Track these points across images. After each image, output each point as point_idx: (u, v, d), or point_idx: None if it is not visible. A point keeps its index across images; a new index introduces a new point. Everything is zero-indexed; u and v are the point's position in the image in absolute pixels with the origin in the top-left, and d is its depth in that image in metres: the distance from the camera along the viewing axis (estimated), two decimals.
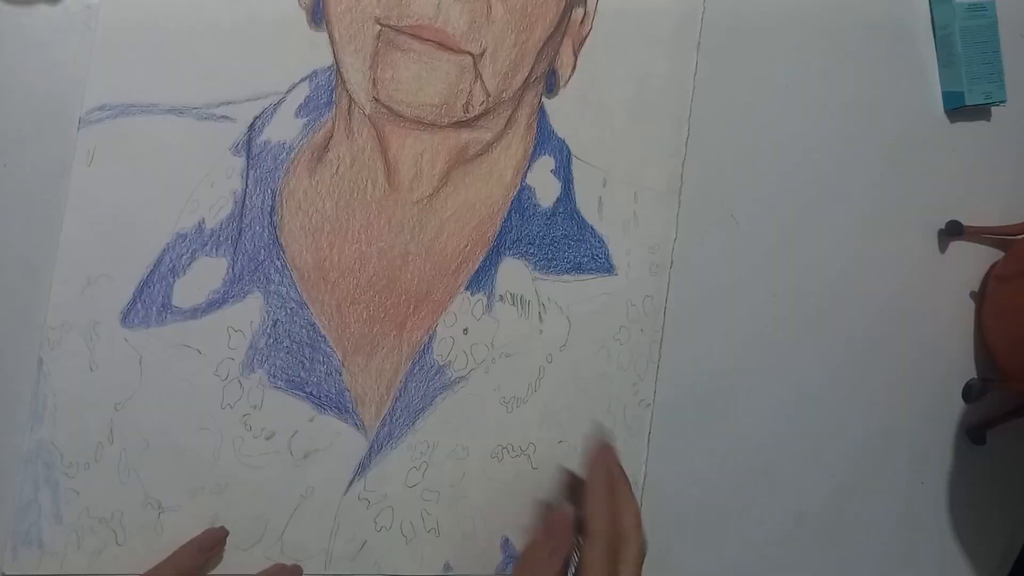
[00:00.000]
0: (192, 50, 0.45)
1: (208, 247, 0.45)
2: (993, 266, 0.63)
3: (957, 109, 0.62)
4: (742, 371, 0.58)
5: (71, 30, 0.44)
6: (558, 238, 0.54)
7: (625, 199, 0.56)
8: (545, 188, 0.54)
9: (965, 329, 0.63)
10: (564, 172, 0.54)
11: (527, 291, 0.53)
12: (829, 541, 0.60)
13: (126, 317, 0.44)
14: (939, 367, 0.63)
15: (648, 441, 0.56)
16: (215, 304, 0.45)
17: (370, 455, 0.49)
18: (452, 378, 0.51)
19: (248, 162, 0.46)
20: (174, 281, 0.44)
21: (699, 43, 0.58)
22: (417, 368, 0.50)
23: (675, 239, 0.57)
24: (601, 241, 0.55)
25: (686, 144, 0.58)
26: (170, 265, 0.44)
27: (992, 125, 0.64)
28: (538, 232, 0.53)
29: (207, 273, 0.45)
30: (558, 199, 0.54)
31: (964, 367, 0.63)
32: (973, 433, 0.63)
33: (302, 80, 0.47)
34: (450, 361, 0.51)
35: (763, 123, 0.59)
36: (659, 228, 0.57)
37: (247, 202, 0.46)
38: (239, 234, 0.45)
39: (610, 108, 0.55)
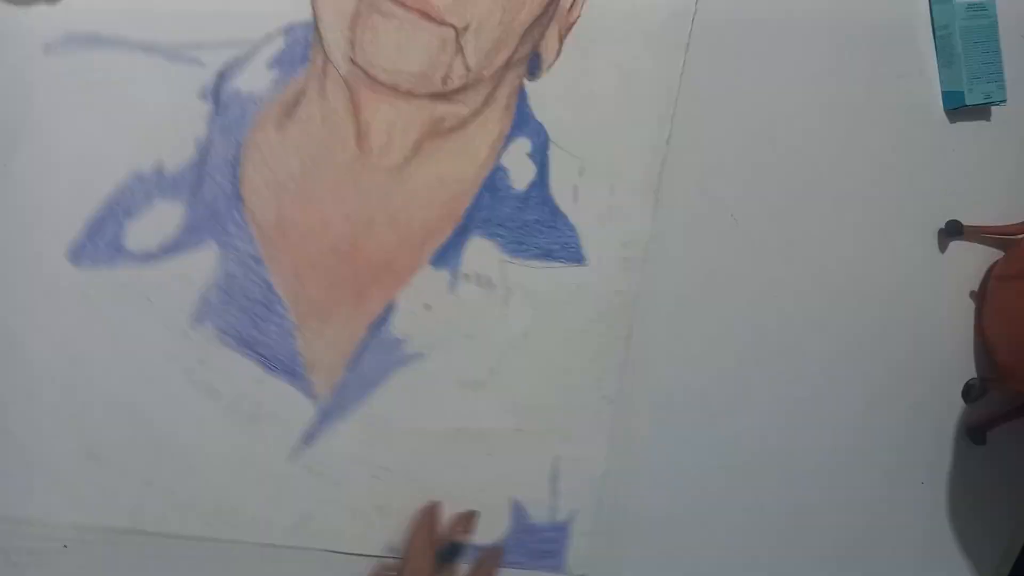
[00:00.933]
0: None
1: (166, 191, 0.44)
2: (993, 266, 0.63)
3: (957, 109, 0.62)
4: (742, 370, 0.58)
5: None
6: (530, 222, 0.53)
7: (601, 191, 0.55)
8: (520, 170, 0.53)
9: (965, 329, 0.63)
10: (540, 156, 0.53)
11: (494, 273, 0.52)
12: (829, 541, 0.60)
13: (75, 253, 0.42)
14: (939, 367, 0.63)
15: (609, 436, 0.55)
16: (168, 250, 0.44)
17: (319, 424, 0.47)
18: (410, 354, 0.49)
19: (215, 109, 0.44)
20: (127, 223, 0.43)
21: (688, 43, 0.57)
22: (374, 340, 0.48)
23: (650, 236, 0.56)
24: (573, 230, 0.54)
25: (667, 142, 0.57)
26: (125, 205, 0.43)
27: (992, 125, 0.64)
28: (509, 214, 0.52)
29: (162, 218, 0.44)
30: (532, 183, 0.53)
31: (964, 367, 0.63)
32: (973, 433, 0.63)
33: (278, 32, 0.46)
34: (409, 337, 0.49)
35: (763, 123, 0.59)
36: (634, 224, 0.56)
37: (211, 150, 0.44)
38: (199, 182, 0.44)
39: (592, 98, 0.55)
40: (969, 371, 0.63)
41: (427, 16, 0.49)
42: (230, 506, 0.44)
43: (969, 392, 0.63)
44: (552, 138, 0.53)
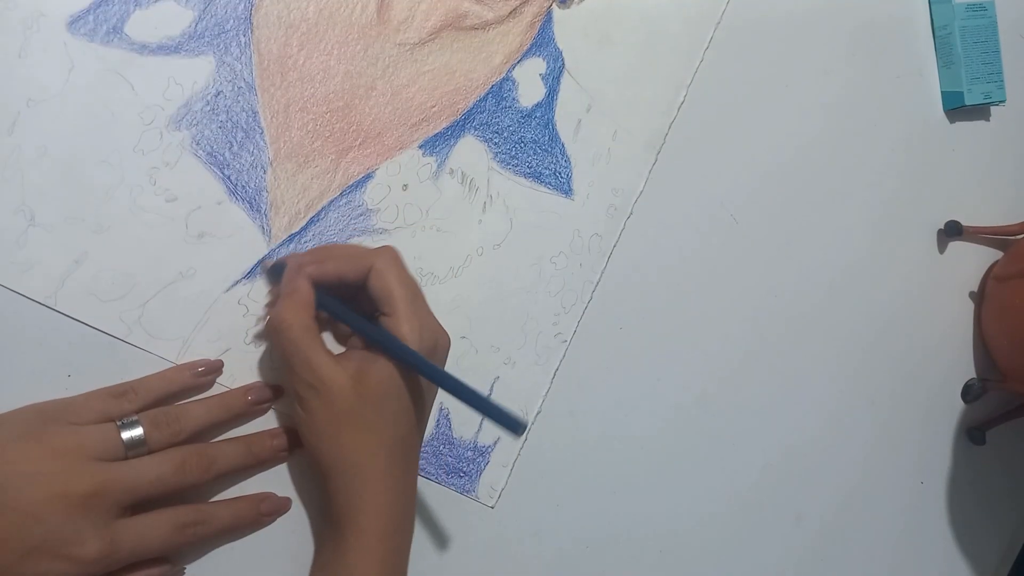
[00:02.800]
0: None
1: None
2: (992, 266, 0.63)
3: (957, 109, 0.62)
4: (741, 370, 0.57)
5: None
6: (527, 140, 0.53)
7: (604, 132, 0.55)
8: (529, 88, 0.53)
9: (965, 329, 0.63)
10: (552, 82, 0.54)
11: (479, 176, 0.52)
12: (829, 541, 0.59)
13: (73, 22, 0.42)
14: (939, 367, 0.62)
15: (554, 375, 0.53)
16: (165, 49, 0.44)
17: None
18: (376, 226, 0.49)
19: None
20: (134, 10, 0.43)
21: (720, 20, 0.58)
22: (344, 200, 0.48)
23: (640, 192, 0.56)
24: (568, 161, 0.54)
25: (679, 108, 0.57)
26: None
27: (992, 125, 0.64)
28: (508, 125, 0.52)
29: (169, 17, 0.44)
30: (538, 104, 0.53)
31: (964, 367, 0.63)
32: (973, 433, 0.62)
33: None
34: (379, 209, 0.49)
35: (763, 123, 0.59)
36: (628, 175, 0.56)
37: None
38: None
39: (616, 44, 0.56)
40: (969, 371, 0.63)
41: None
42: (153, 317, 0.43)
43: (969, 392, 0.62)
44: (568, 67, 0.54)
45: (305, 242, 0.47)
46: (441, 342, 0.42)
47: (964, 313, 0.63)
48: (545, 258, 0.53)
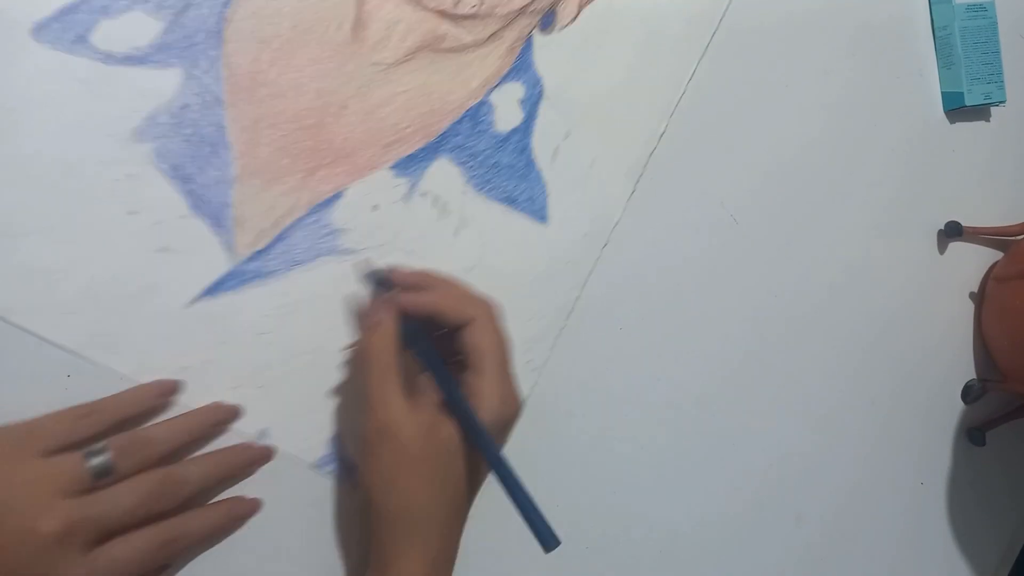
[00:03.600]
0: None
1: (149, 4, 0.43)
2: (992, 267, 0.63)
3: (957, 110, 0.62)
4: (741, 370, 0.57)
5: None
6: (502, 164, 0.52)
7: (582, 161, 0.55)
8: (506, 113, 0.53)
9: (965, 330, 0.63)
10: (530, 107, 0.53)
11: (452, 199, 0.51)
12: (829, 542, 0.59)
13: (39, 29, 0.41)
14: (939, 368, 0.62)
15: (525, 404, 0.52)
16: (132, 60, 0.43)
17: (229, 280, 0.45)
18: (343, 246, 0.48)
19: None
20: (101, 19, 0.42)
21: (706, 49, 0.58)
22: (311, 219, 0.47)
23: (617, 222, 0.55)
24: (543, 188, 0.53)
25: (659, 139, 0.57)
26: (102, 3, 0.42)
27: (992, 125, 0.64)
28: (484, 149, 0.52)
29: (136, 29, 0.43)
30: (515, 129, 0.53)
31: (964, 368, 0.63)
32: (973, 434, 0.62)
33: None
34: (347, 229, 0.48)
35: (763, 123, 0.59)
36: (606, 202, 0.55)
37: None
38: (185, 7, 0.44)
39: (597, 71, 0.55)
40: (969, 372, 0.63)
41: None
42: (110, 330, 0.41)
43: (969, 393, 0.62)
44: (546, 94, 0.53)
45: (270, 260, 0.45)
46: (515, 414, 0.42)
47: (964, 313, 0.63)
48: (517, 285, 0.52)
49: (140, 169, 0.43)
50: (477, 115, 0.52)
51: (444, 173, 0.51)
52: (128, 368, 0.42)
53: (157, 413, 0.42)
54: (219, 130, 0.45)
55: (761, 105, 0.59)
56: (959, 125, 0.64)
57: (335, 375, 0.46)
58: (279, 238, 0.46)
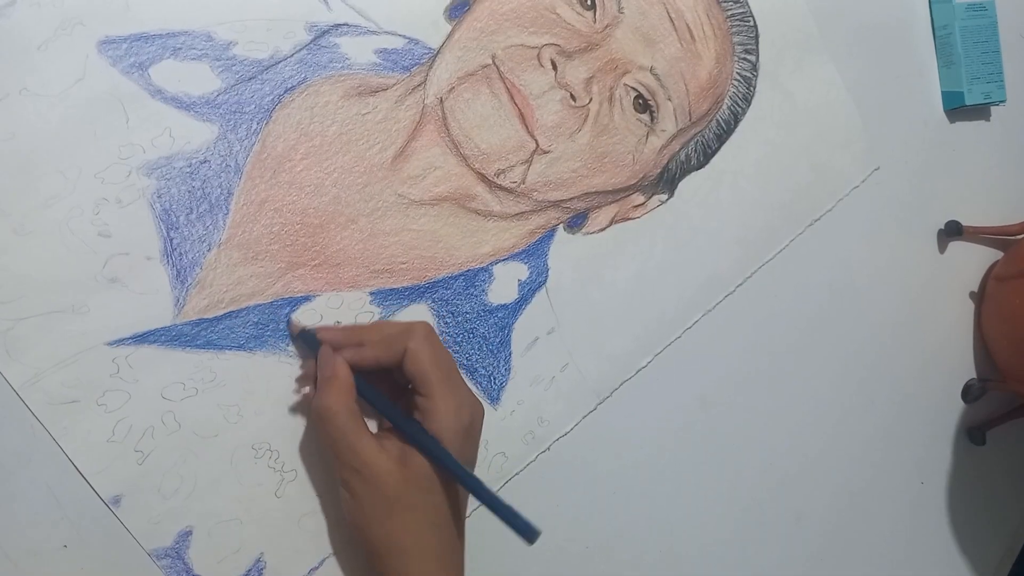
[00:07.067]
0: None
1: (219, 64, 0.45)
2: (993, 266, 0.62)
3: (957, 109, 0.61)
4: (742, 369, 0.57)
5: None
6: (477, 333, 0.52)
7: (555, 361, 0.54)
8: (502, 287, 0.53)
9: (965, 329, 0.63)
10: (527, 292, 0.53)
11: None
12: (829, 541, 0.58)
13: (105, 43, 0.43)
14: (939, 367, 0.62)
15: None
16: (177, 103, 0.44)
17: (159, 334, 0.43)
18: (289, 349, 0.47)
19: (310, 42, 0.47)
20: (168, 58, 0.44)
21: (712, 309, 0.59)
22: (271, 310, 0.46)
23: (566, 434, 0.54)
24: (508, 372, 0.52)
25: (638, 372, 0.57)
26: (179, 45, 0.44)
27: (992, 125, 0.63)
28: (467, 312, 0.51)
29: (197, 78, 0.45)
30: (504, 305, 0.53)
31: (964, 367, 0.63)
32: (973, 433, 0.61)
33: (404, 37, 0.50)
34: (302, 329, 0.47)
35: (763, 123, 0.59)
36: (561, 411, 0.54)
37: (280, 65, 0.46)
38: (249, 79, 0.46)
39: (601, 286, 0.56)
40: (969, 371, 0.63)
41: (523, 120, 0.52)
42: (26, 336, 0.40)
43: (969, 392, 0.62)
44: (548, 286, 0.53)
45: (212, 331, 0.44)
46: (476, 416, 0.43)
47: (964, 313, 0.63)
48: None
49: (133, 199, 0.43)
50: (475, 279, 0.52)
51: (419, 316, 0.50)
52: (18, 379, 0.40)
53: None
54: (226, 195, 0.45)
55: (762, 105, 0.58)
56: (959, 125, 0.64)
57: (214, 467, 0.43)
58: (231, 315, 0.45)
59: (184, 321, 0.44)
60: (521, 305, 0.53)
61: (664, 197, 0.57)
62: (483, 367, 0.51)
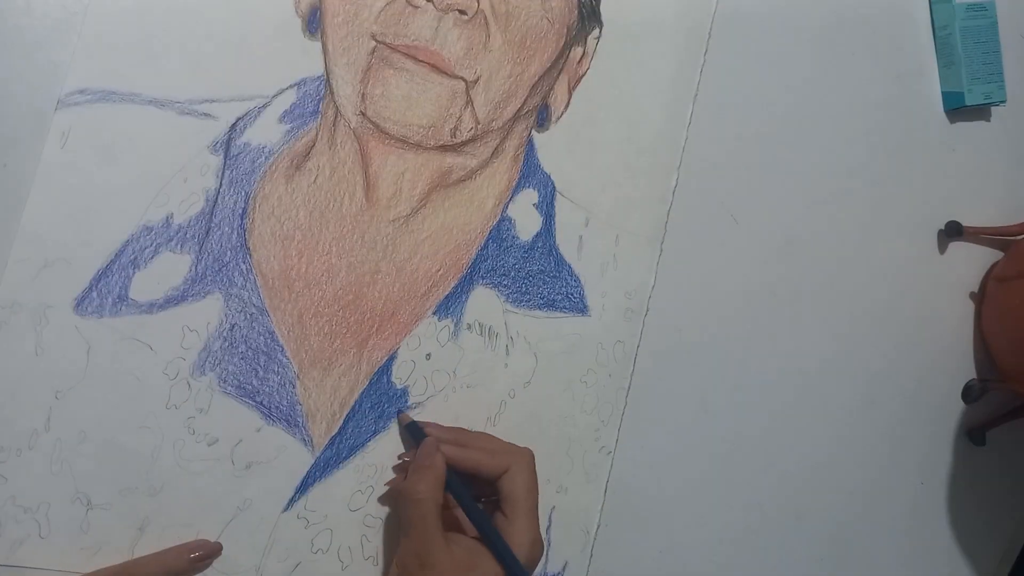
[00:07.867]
0: (182, 44, 0.45)
1: (173, 243, 0.44)
2: (993, 267, 0.63)
3: (957, 109, 0.62)
4: (742, 368, 0.58)
5: (59, 10, 0.44)
6: (534, 272, 0.53)
7: (606, 241, 0.55)
8: (526, 221, 0.53)
9: (965, 330, 0.63)
10: (547, 207, 0.54)
11: (496, 322, 0.52)
12: (829, 541, 0.60)
13: (79, 304, 0.42)
14: (939, 367, 0.62)
15: (606, 488, 0.55)
16: (173, 301, 0.44)
17: (314, 473, 0.47)
18: (409, 403, 0.50)
19: (225, 162, 0.45)
20: (134, 273, 0.43)
21: (696, 95, 0.57)
22: (374, 388, 0.49)
23: (653, 286, 0.56)
24: (577, 280, 0.54)
25: (673, 193, 0.57)
26: (132, 256, 0.43)
27: (992, 125, 0.64)
28: (514, 264, 0.52)
29: (169, 269, 0.44)
30: (538, 234, 0.53)
31: (964, 367, 0.63)
32: (973, 434, 0.62)
33: (290, 86, 0.47)
34: (409, 385, 0.50)
35: (763, 123, 0.59)
36: (637, 274, 0.56)
37: (219, 201, 0.45)
38: (207, 233, 0.45)
39: (600, 148, 0.55)
40: (969, 371, 0.63)
41: (438, 69, 0.49)
42: (223, 554, 0.44)
43: (969, 393, 0.62)
44: (559, 189, 0.53)
45: (346, 439, 0.48)
46: (540, 554, 0.45)
47: (964, 313, 0.63)
48: (575, 380, 0.54)
49: (208, 400, 0.45)
50: (500, 234, 0.52)
51: (483, 299, 0.52)
52: None
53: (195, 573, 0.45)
54: (270, 337, 0.46)
55: (760, 105, 0.58)
56: (959, 125, 0.63)
57: None
58: (349, 417, 0.48)
59: (323, 451, 0.47)
60: (550, 223, 0.54)
61: (597, 31, 0.55)
62: (557, 293, 0.54)
